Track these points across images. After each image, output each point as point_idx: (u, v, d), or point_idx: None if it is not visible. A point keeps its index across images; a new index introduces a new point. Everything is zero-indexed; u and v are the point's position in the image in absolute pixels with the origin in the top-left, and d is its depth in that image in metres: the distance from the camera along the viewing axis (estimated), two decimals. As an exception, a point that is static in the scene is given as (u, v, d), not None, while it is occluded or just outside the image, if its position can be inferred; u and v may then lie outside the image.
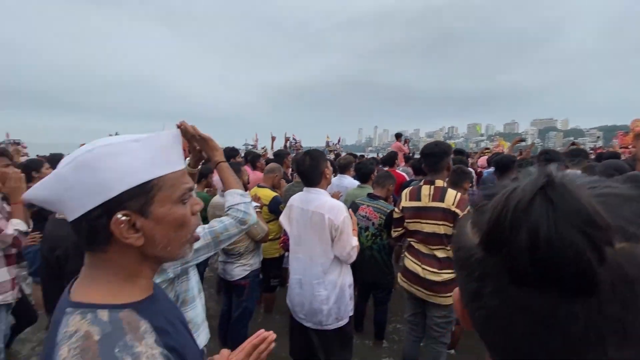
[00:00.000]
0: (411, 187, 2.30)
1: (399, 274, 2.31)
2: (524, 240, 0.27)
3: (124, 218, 0.57)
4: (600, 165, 2.36)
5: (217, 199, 2.59)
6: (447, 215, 2.03)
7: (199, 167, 1.54)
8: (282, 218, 2.18)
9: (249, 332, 0.84)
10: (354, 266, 2.14)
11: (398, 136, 8.40)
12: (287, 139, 7.81)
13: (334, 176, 3.66)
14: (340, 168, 3.73)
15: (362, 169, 3.31)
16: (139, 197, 0.59)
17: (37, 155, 4.66)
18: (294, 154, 5.45)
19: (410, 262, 2.19)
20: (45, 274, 1.62)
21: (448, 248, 2.07)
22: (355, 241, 1.94)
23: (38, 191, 0.58)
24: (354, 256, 1.93)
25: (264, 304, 3.38)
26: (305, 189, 2.06)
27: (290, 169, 5.12)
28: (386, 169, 4.23)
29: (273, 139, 7.23)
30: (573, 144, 6.08)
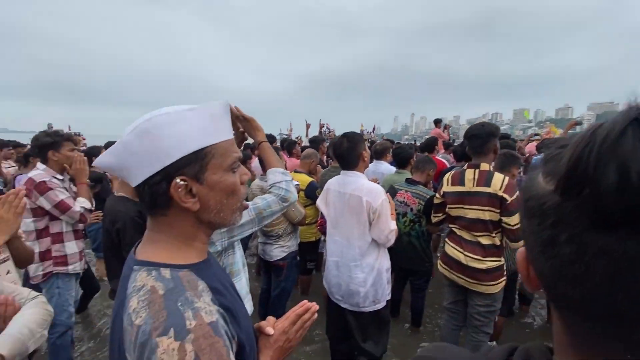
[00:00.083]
0: (454, 171, 2.20)
1: (439, 261, 2.25)
2: (612, 177, 0.25)
3: (182, 183, 0.61)
4: None
5: (256, 182, 2.67)
6: (494, 201, 1.92)
7: (241, 149, 1.59)
8: (319, 201, 2.20)
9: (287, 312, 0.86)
10: (390, 252, 2.12)
11: (437, 122, 8.04)
12: (321, 126, 7.82)
13: (370, 162, 3.60)
14: (376, 154, 3.65)
15: (401, 154, 3.21)
16: (194, 164, 0.62)
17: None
18: (327, 143, 5.45)
19: (451, 249, 2.11)
20: (107, 246, 1.78)
21: (494, 235, 1.97)
22: (393, 225, 1.90)
23: (106, 158, 0.63)
24: (392, 240, 1.91)
25: (300, 286, 3.48)
26: (342, 172, 2.05)
27: (325, 156, 5.13)
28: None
29: (308, 126, 7.26)
30: None
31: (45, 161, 2.17)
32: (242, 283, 1.36)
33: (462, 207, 2.05)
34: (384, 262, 2.01)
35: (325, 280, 2.17)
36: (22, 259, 1.40)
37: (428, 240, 2.78)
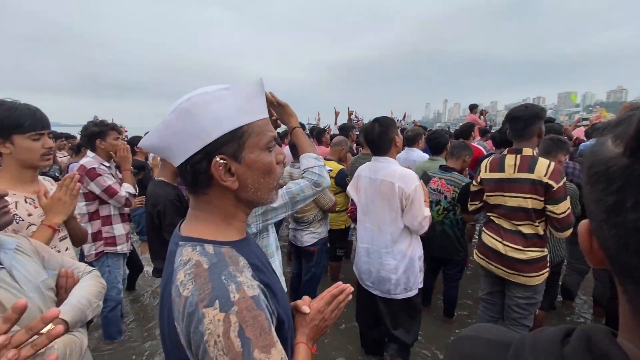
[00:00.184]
0: (492, 157, 2.07)
1: (475, 251, 2.16)
2: None
3: (221, 161, 0.62)
4: None
5: (287, 169, 2.71)
6: (538, 188, 1.80)
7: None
8: (350, 188, 2.19)
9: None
10: (423, 241, 2.07)
11: (472, 108, 7.65)
12: (350, 113, 7.70)
13: (402, 149, 3.50)
14: (408, 141, 3.53)
15: (437, 139, 3.07)
16: (233, 143, 0.63)
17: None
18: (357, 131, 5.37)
19: (489, 238, 2.02)
20: (149, 228, 1.91)
21: (537, 224, 1.85)
22: (427, 211, 1.85)
23: (150, 139, 0.65)
24: (425, 226, 1.86)
25: (330, 273, 3.52)
26: (373, 158, 2.01)
27: (355, 144, 5.07)
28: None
29: (337, 114, 7.19)
30: None
31: (93, 149, 2.34)
32: (275, 265, 1.40)
33: (502, 195, 1.94)
34: (417, 249, 1.97)
35: (355, 266, 2.18)
36: (77, 238, 1.52)
37: (462, 229, 2.68)
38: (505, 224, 1.95)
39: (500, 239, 1.95)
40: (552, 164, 1.81)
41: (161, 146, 0.65)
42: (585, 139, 4.75)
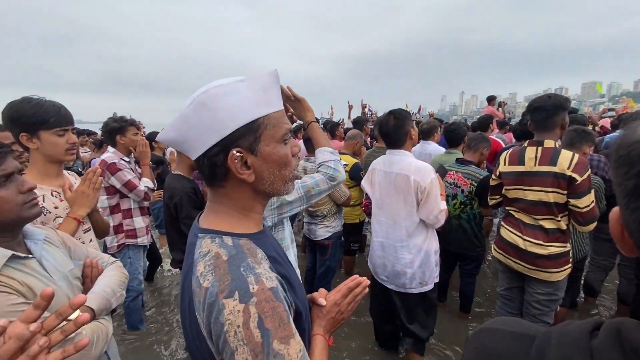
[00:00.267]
0: (512, 149, 2.01)
1: (493, 246, 2.12)
2: None
3: (238, 154, 0.62)
4: None
5: (301, 163, 2.71)
6: (560, 182, 1.73)
7: None
8: (364, 182, 2.17)
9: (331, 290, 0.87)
10: (438, 235, 2.04)
11: (490, 99, 7.42)
12: (364, 106, 7.62)
13: (417, 143, 3.44)
14: (424, 134, 3.47)
15: (455, 130, 3.00)
16: (249, 136, 0.63)
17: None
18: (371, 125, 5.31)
19: (508, 233, 1.97)
20: (167, 220, 1.96)
21: (559, 218, 1.79)
22: (443, 205, 1.82)
23: (168, 133, 0.65)
24: (442, 220, 1.83)
25: (344, 267, 3.53)
26: (388, 151, 1.99)
27: (369, 137, 5.03)
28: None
29: (350, 107, 7.12)
30: None
31: (114, 145, 2.41)
32: (290, 258, 1.41)
33: (522, 189, 1.88)
34: (433, 243, 1.95)
35: (369, 261, 2.17)
36: (100, 230, 1.58)
37: (480, 224, 2.62)
38: (526, 219, 1.89)
39: (520, 234, 1.90)
40: (576, 156, 1.74)
41: (179, 140, 0.65)
42: (611, 128, 4.55)
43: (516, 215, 1.94)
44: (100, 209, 1.63)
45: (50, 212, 1.31)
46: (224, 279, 0.56)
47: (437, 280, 2.00)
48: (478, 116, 5.24)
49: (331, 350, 0.77)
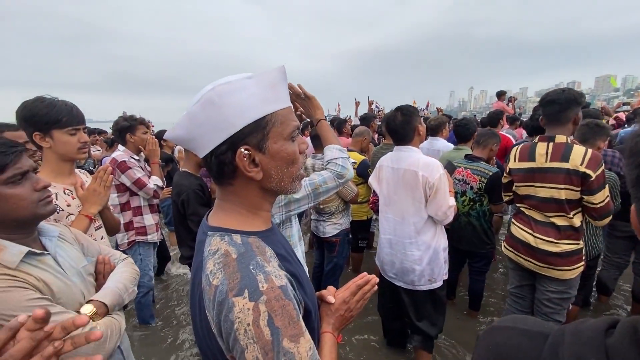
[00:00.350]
0: (522, 145, 1.97)
1: (503, 243, 2.09)
2: None
3: (246, 152, 0.62)
4: None
5: (308, 160, 2.71)
6: (573, 178, 1.69)
7: None
8: (371, 179, 2.16)
9: (339, 287, 0.87)
10: (447, 232, 2.02)
11: (500, 95, 7.30)
12: (370, 103, 7.57)
13: (425, 139, 3.41)
14: (432, 130, 3.43)
15: (467, 124, 2.96)
16: (257, 133, 0.62)
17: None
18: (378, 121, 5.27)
19: (518, 230, 1.93)
20: (175, 216, 1.99)
21: (571, 215, 1.75)
22: (452, 201, 1.80)
23: (175, 131, 0.65)
24: (450, 216, 1.81)
25: (352, 264, 3.53)
26: (395, 147, 1.97)
27: (376, 134, 5.00)
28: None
29: (357, 104, 7.09)
30: None
31: (124, 143, 2.45)
32: (298, 255, 1.41)
33: (533, 185, 1.85)
34: (442, 240, 1.93)
35: (377, 258, 2.16)
36: (111, 228, 1.61)
37: (489, 221, 2.59)
38: (537, 216, 1.86)
39: (531, 231, 1.87)
40: (589, 151, 1.69)
41: (186, 138, 0.64)
42: (625, 123, 4.43)
43: (527, 212, 1.91)
44: (110, 207, 1.66)
45: (62, 210, 1.34)
46: (234, 277, 0.56)
47: (446, 278, 1.98)
48: (487, 112, 5.16)
49: (340, 347, 0.77)
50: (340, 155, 1.31)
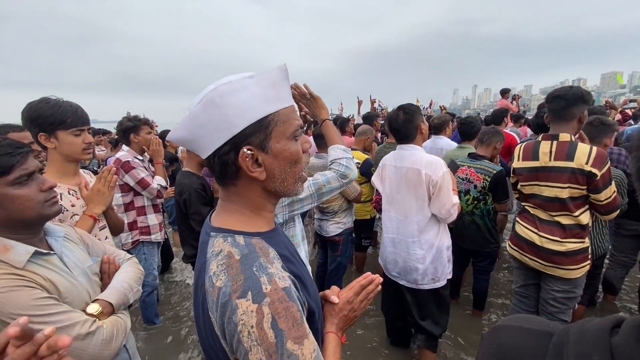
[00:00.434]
0: (525, 144, 1.95)
1: (508, 242, 2.08)
2: None
3: (249, 152, 0.61)
4: None
5: (311, 160, 2.71)
6: (579, 177, 1.67)
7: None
8: (374, 178, 2.16)
9: (343, 287, 0.87)
10: (451, 231, 2.01)
11: (504, 92, 7.26)
12: (372, 101, 7.56)
13: (428, 138, 3.40)
14: (435, 129, 3.41)
15: (471, 122, 2.96)
16: (259, 133, 0.62)
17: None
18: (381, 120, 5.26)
19: (523, 229, 1.92)
20: (178, 216, 2.00)
21: (576, 213, 1.74)
22: (456, 198, 1.80)
23: (178, 132, 0.65)
24: (454, 214, 1.81)
25: (355, 263, 3.52)
26: (398, 146, 1.97)
27: (379, 133, 4.99)
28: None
29: (360, 103, 7.08)
30: None
31: (128, 143, 2.46)
32: (301, 255, 1.42)
33: (537, 184, 1.83)
34: (445, 239, 1.93)
35: (380, 257, 2.16)
36: (115, 228, 1.62)
37: (494, 220, 2.57)
38: (542, 215, 1.85)
39: (535, 230, 1.85)
40: (594, 148, 1.67)
41: (189, 139, 0.64)
42: (632, 120, 4.38)
43: (532, 211, 1.90)
44: (114, 207, 1.67)
45: (67, 210, 1.35)
46: (237, 279, 0.56)
47: (450, 277, 1.98)
48: (491, 110, 5.13)
49: (343, 347, 0.77)
50: (344, 156, 1.32)
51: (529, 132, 4.72)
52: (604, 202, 1.68)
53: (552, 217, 1.81)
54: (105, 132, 6.33)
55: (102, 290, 1.02)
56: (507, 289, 3.10)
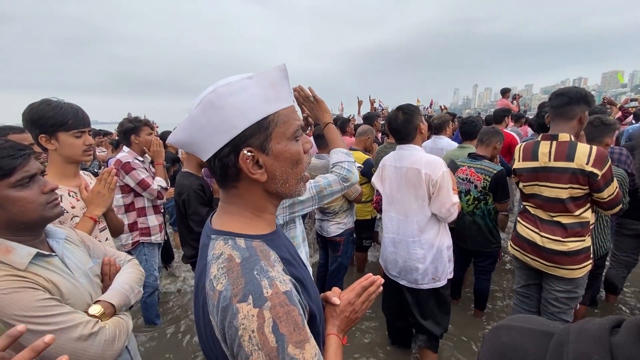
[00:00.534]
0: (525, 144, 1.94)
1: (509, 242, 2.07)
2: None
3: (249, 154, 0.61)
4: None
5: (313, 161, 2.71)
6: (579, 178, 1.67)
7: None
8: (374, 178, 2.16)
9: (344, 288, 0.87)
10: (451, 232, 2.01)
11: (505, 92, 7.25)
12: (372, 102, 7.55)
13: (428, 138, 3.40)
14: (435, 129, 3.41)
15: (473, 122, 2.97)
16: (259, 134, 0.61)
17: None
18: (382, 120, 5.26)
19: (524, 229, 1.92)
20: (178, 216, 2.01)
21: (577, 213, 1.74)
22: (456, 198, 1.80)
23: (177, 135, 0.64)
24: (454, 214, 1.81)
25: (356, 264, 3.52)
26: (398, 146, 1.97)
27: (380, 133, 4.99)
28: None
29: (360, 103, 7.08)
30: None
31: (129, 145, 2.47)
32: (302, 256, 1.41)
33: (537, 184, 1.83)
34: (445, 239, 1.93)
35: (381, 257, 2.16)
36: (115, 229, 1.62)
37: (494, 220, 2.57)
38: (542, 215, 1.84)
39: (537, 230, 1.85)
40: (594, 148, 1.67)
41: (188, 142, 0.63)
42: (634, 120, 4.37)
43: (532, 211, 1.90)
44: (115, 208, 1.67)
45: (67, 212, 1.35)
46: (238, 283, 0.56)
47: (450, 277, 1.97)
48: (492, 109, 5.13)
49: (344, 348, 0.77)
50: (346, 159, 1.32)
51: (530, 131, 4.71)
52: (607, 199, 1.69)
53: (552, 218, 1.81)
54: (106, 133, 6.34)
55: (103, 292, 1.02)
56: (508, 289, 3.10)
